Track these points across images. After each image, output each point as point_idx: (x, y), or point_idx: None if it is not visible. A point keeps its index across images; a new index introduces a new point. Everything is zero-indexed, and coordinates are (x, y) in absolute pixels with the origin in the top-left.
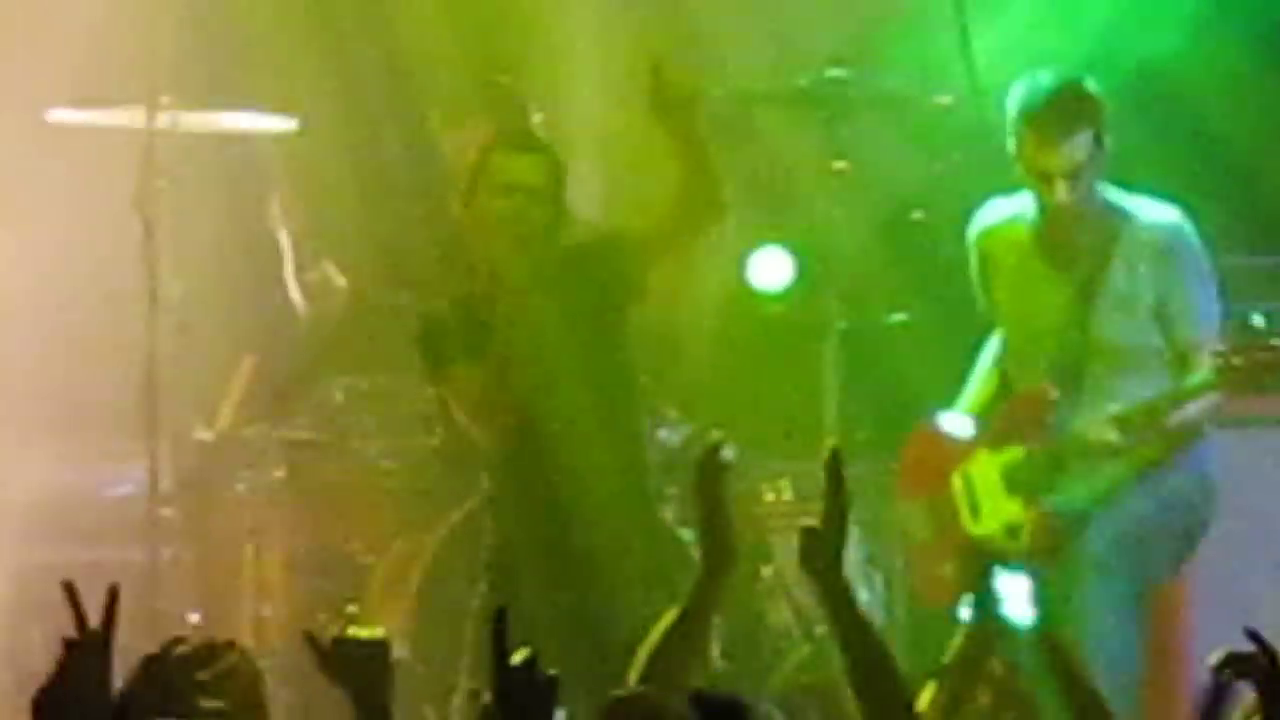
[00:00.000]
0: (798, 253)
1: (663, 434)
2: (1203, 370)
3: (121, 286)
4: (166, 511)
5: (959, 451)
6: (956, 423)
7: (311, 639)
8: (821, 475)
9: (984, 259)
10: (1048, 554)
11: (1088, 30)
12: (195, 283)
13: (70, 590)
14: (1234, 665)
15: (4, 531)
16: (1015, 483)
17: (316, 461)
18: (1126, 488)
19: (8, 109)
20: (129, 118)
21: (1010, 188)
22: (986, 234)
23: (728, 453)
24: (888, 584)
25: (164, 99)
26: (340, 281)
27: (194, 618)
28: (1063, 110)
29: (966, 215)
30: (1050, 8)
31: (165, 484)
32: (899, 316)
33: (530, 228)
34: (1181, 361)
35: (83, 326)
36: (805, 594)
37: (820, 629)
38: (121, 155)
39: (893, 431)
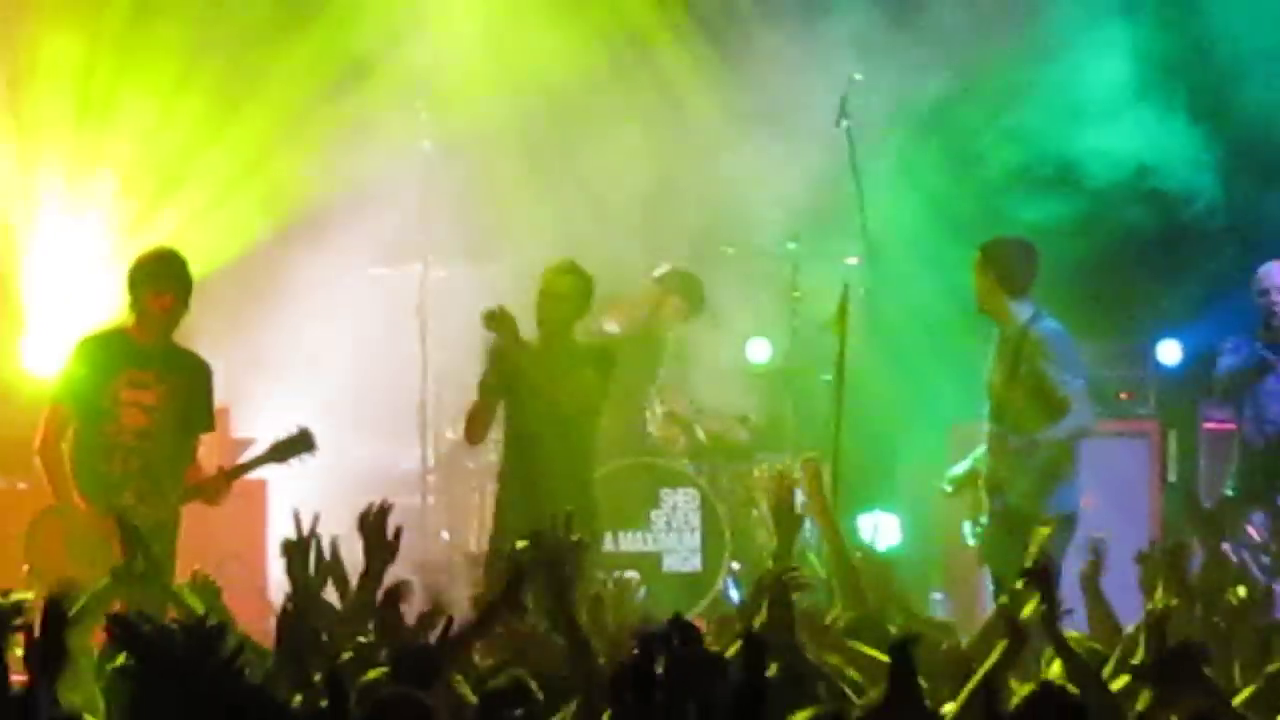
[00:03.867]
0: (773, 339)
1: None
2: None
3: (409, 356)
4: (431, 477)
5: None
6: None
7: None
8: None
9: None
10: None
11: None
12: (448, 354)
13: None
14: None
15: (341, 485)
16: None
17: None
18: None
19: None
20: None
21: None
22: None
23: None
24: None
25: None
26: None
27: (445, 535)
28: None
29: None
30: None
31: (430, 461)
32: (828, 376)
33: None
34: None
35: (389, 377)
36: None
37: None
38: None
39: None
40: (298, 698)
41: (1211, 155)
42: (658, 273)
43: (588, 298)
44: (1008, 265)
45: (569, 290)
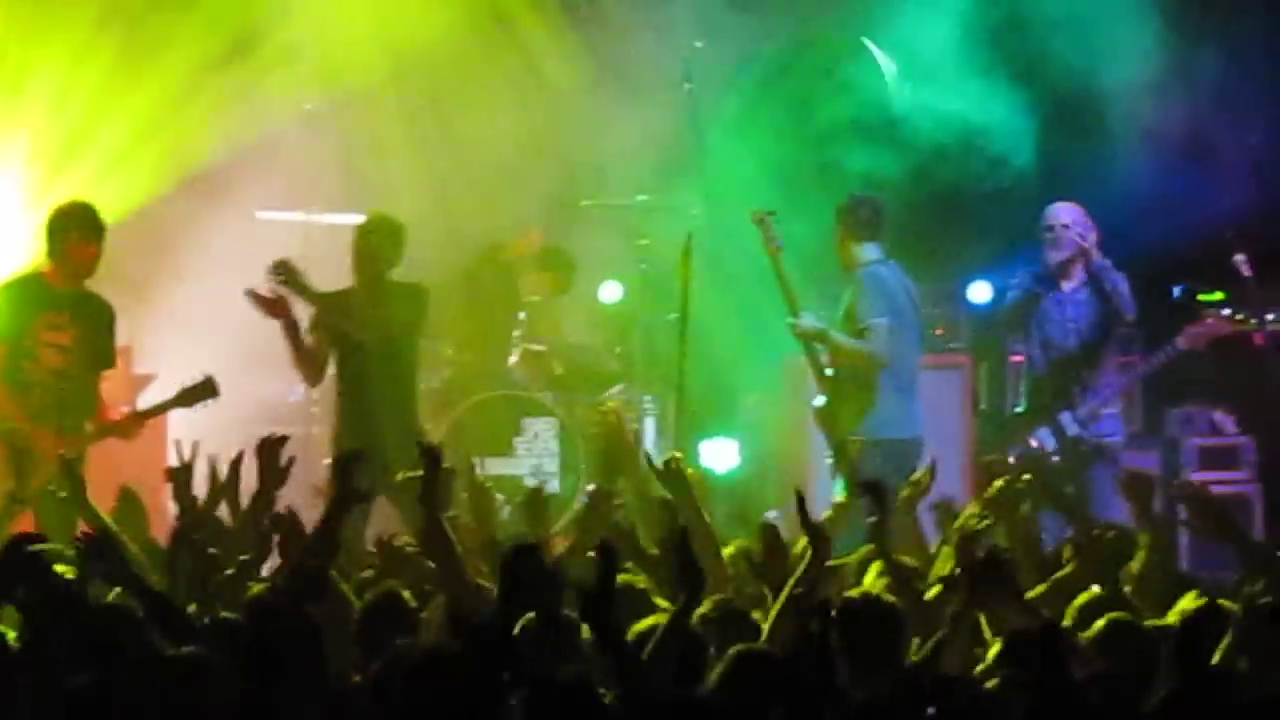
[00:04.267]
0: (624, 282)
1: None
2: None
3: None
4: (315, 409)
5: None
6: None
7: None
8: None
9: None
10: None
11: None
12: None
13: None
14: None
15: (234, 416)
16: None
17: None
18: None
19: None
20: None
21: None
22: None
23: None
24: None
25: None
26: None
27: (326, 461)
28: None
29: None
30: None
31: (314, 394)
32: (674, 315)
33: None
34: None
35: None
36: None
37: None
38: (295, 236)
39: (667, 375)
40: (192, 607)
41: (1025, 115)
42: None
43: (397, 249)
44: (851, 217)
45: (374, 249)
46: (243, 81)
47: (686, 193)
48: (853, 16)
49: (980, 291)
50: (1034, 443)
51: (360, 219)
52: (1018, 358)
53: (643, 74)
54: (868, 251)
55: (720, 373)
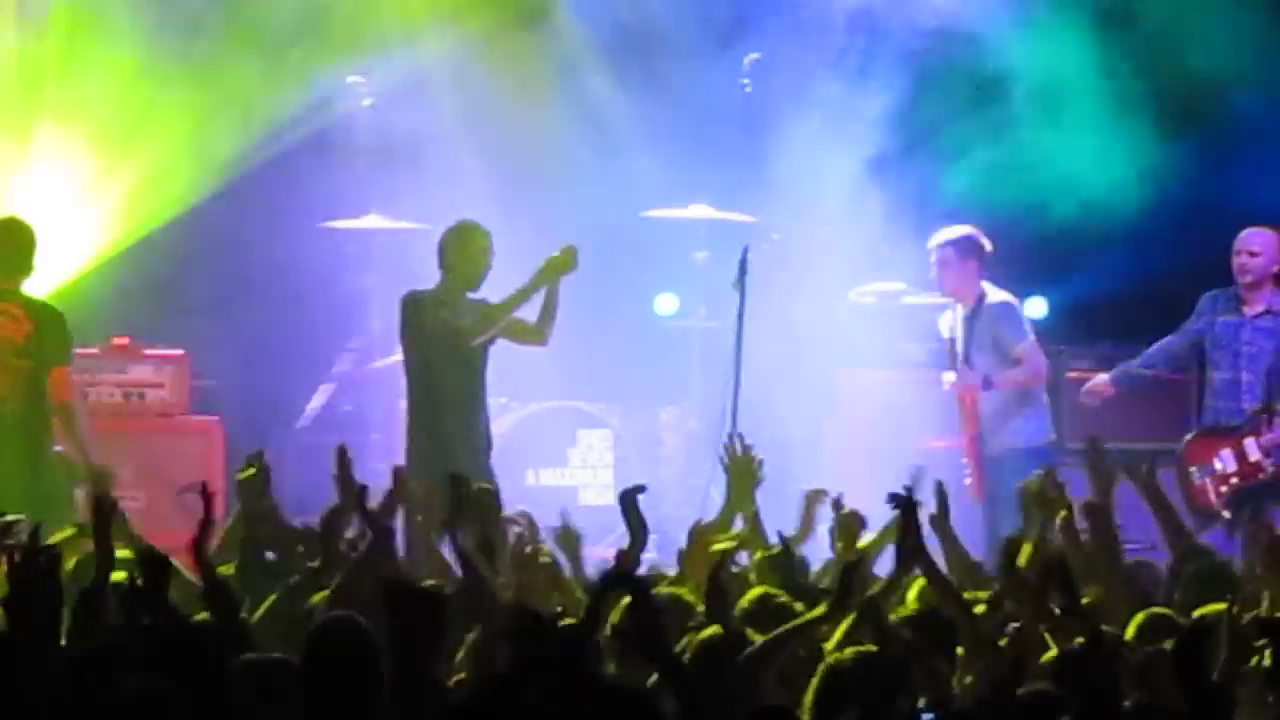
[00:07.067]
0: (680, 294)
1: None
2: None
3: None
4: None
5: None
6: None
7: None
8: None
9: None
10: None
11: None
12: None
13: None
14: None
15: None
16: None
17: None
18: None
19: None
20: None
21: None
22: None
23: None
24: None
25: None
26: None
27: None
28: None
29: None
30: None
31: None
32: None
33: None
34: None
35: (339, 319)
36: None
37: None
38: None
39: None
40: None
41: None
42: None
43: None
44: (980, 252)
45: (485, 263)
46: (303, 80)
47: (745, 204)
48: None
49: (1035, 306)
50: (1218, 464)
51: (423, 226)
52: (1075, 374)
53: (700, 85)
54: (991, 282)
55: (769, 386)
